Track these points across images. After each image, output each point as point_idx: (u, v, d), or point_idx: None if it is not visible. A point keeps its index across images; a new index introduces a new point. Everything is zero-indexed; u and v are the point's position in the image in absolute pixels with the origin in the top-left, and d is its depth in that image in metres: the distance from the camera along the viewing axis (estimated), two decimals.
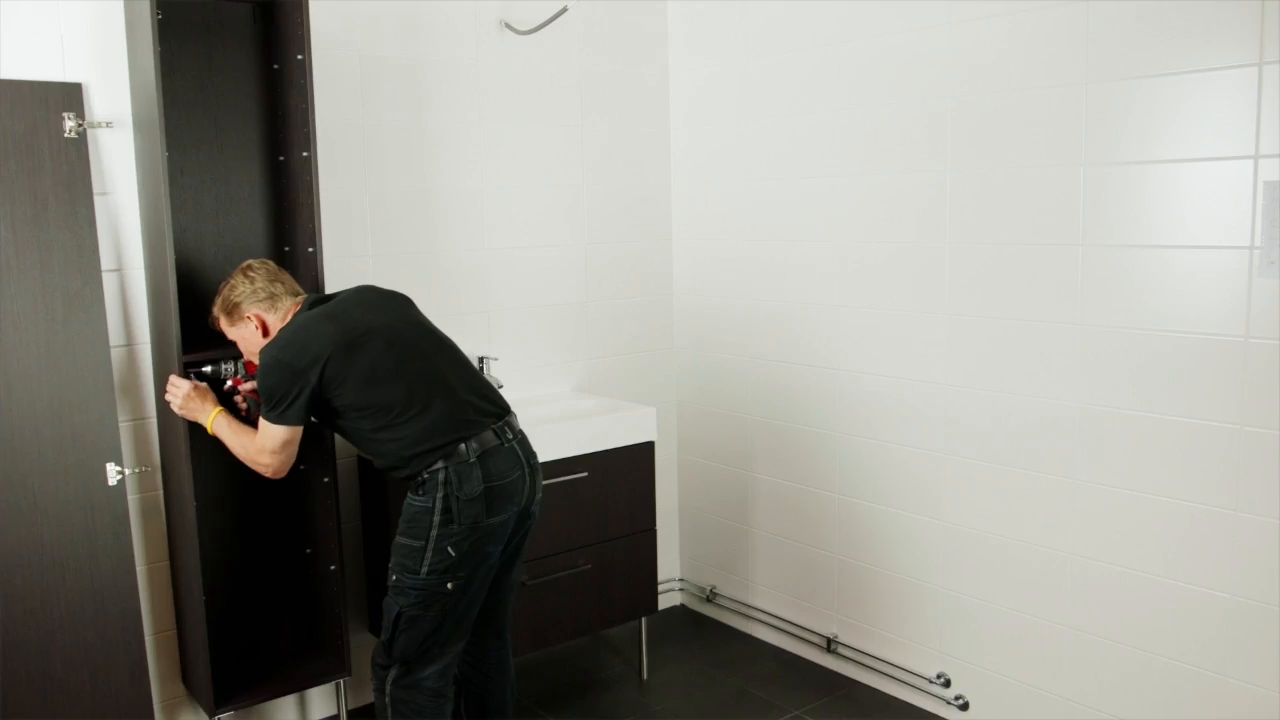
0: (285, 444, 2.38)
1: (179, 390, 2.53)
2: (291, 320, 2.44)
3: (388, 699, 2.44)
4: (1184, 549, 2.49)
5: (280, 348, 2.35)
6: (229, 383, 2.64)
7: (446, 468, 2.33)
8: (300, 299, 2.51)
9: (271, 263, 2.56)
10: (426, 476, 2.34)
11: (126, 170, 2.69)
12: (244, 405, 2.61)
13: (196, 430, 2.61)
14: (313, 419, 2.42)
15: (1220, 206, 2.34)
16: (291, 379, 2.31)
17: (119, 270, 2.71)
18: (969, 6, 2.77)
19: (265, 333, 2.48)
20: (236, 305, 2.48)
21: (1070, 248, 2.62)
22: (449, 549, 2.33)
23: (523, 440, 2.49)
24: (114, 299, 2.70)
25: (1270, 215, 2.26)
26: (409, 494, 2.39)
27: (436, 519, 2.33)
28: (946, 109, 2.86)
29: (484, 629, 2.59)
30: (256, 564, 2.96)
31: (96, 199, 2.61)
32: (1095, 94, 2.54)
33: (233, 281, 2.50)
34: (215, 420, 2.51)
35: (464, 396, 2.41)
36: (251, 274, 2.50)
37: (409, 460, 2.35)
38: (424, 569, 2.34)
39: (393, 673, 2.42)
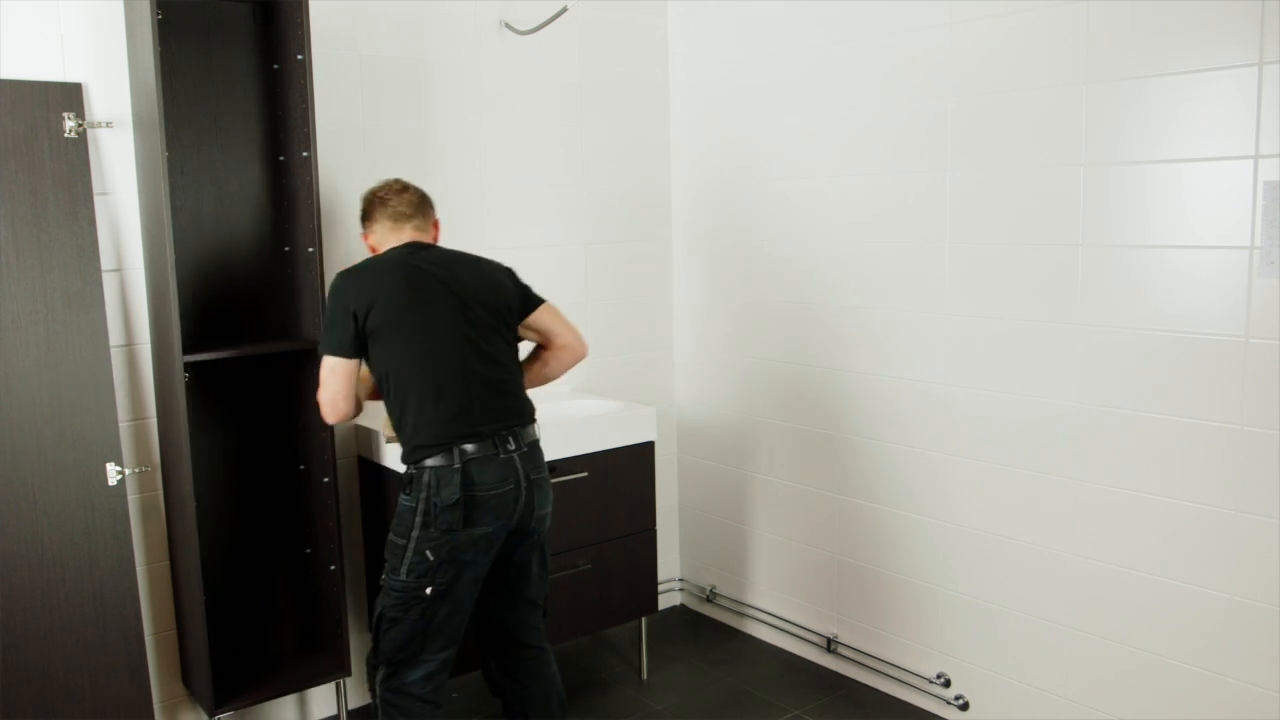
0: (330, 372, 2.35)
1: None
2: (384, 253, 2.45)
3: (378, 699, 2.43)
4: (1184, 549, 2.49)
5: (348, 274, 2.37)
6: None
7: (433, 469, 2.31)
8: (410, 239, 2.48)
9: (421, 191, 2.55)
10: (415, 473, 2.33)
11: (126, 170, 2.69)
12: None
13: (196, 430, 2.61)
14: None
15: (1220, 206, 2.34)
16: (340, 306, 2.32)
17: (119, 270, 2.71)
18: (969, 6, 2.77)
19: (371, 251, 2.52)
20: (369, 214, 2.52)
21: (1070, 248, 2.62)
22: (427, 553, 2.31)
23: (528, 454, 2.42)
24: (114, 299, 2.70)
25: (1270, 215, 2.26)
26: (400, 492, 2.39)
27: (417, 519, 2.32)
28: (947, 108, 2.86)
29: (508, 641, 2.57)
30: (256, 564, 2.96)
31: (96, 199, 2.61)
32: (1095, 94, 2.54)
33: (382, 194, 2.51)
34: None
35: (476, 399, 2.36)
36: (399, 196, 2.50)
37: (412, 450, 2.34)
38: (404, 569, 2.33)
39: (380, 673, 2.42)
